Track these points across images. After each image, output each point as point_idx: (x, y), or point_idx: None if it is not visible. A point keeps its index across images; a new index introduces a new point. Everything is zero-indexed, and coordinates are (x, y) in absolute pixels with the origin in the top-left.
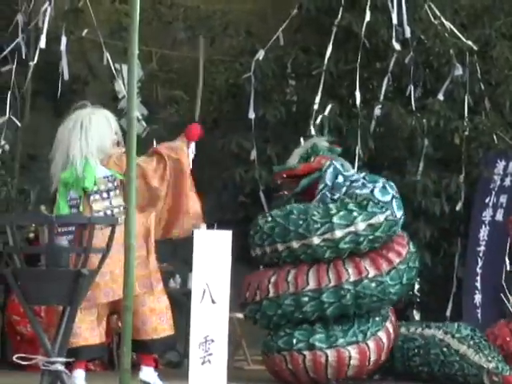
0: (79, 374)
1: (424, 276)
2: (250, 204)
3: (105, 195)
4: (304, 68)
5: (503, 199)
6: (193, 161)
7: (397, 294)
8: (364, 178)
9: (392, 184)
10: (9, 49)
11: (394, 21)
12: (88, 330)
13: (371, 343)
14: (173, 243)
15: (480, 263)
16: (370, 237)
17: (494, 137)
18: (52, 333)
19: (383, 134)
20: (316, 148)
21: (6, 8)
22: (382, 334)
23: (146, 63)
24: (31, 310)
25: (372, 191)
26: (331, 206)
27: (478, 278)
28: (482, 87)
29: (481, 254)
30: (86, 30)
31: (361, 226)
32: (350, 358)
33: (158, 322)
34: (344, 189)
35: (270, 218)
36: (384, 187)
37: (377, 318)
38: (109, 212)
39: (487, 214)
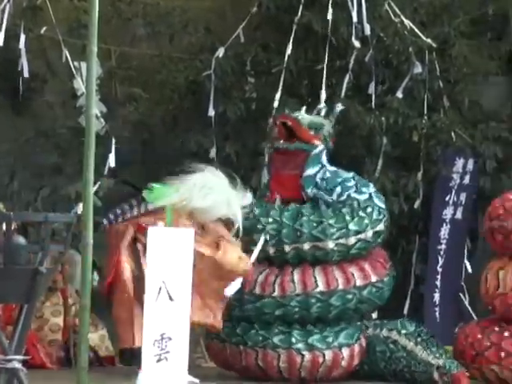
0: None
1: None
2: None
3: None
4: (264, 65)
5: (463, 197)
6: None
7: (388, 299)
8: (353, 178)
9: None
10: None
11: (354, 18)
12: None
13: (357, 346)
14: None
15: (441, 261)
16: (374, 244)
17: (453, 134)
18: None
19: (341, 131)
20: (322, 128)
21: None
22: (362, 337)
23: (104, 61)
24: None
25: (371, 197)
26: (344, 211)
27: (439, 276)
28: (441, 85)
29: (441, 253)
30: (44, 28)
31: (369, 233)
32: (342, 358)
33: None
34: (338, 189)
35: (271, 219)
36: (376, 192)
37: (358, 322)
38: None
39: (448, 213)
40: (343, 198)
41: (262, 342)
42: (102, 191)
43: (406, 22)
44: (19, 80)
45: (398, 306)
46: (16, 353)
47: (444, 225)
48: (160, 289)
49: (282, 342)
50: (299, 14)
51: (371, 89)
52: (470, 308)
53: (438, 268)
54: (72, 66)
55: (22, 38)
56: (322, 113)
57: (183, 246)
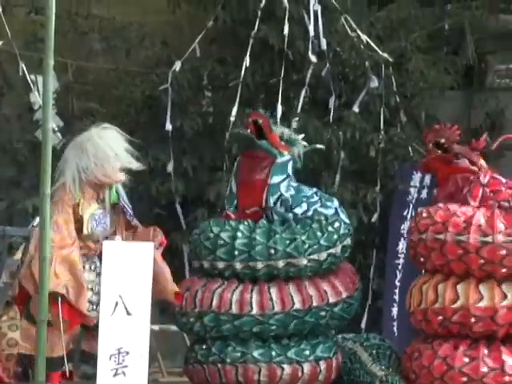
0: None
1: None
2: (166, 216)
3: None
4: (220, 79)
5: None
6: None
7: (355, 314)
8: (316, 193)
9: None
10: None
11: (311, 33)
12: None
13: (334, 360)
14: None
15: (399, 276)
16: (341, 258)
17: (410, 149)
18: None
19: None
20: (293, 143)
21: None
22: (339, 352)
23: (61, 74)
24: None
25: (337, 211)
26: (314, 226)
27: (397, 290)
28: (398, 99)
29: (399, 267)
30: (0, 42)
31: (338, 248)
32: (320, 372)
33: None
34: (304, 205)
35: (239, 234)
36: (340, 206)
37: (335, 337)
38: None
39: (405, 227)
40: (310, 213)
41: (242, 358)
42: None
43: (363, 36)
44: None
45: (355, 320)
46: None
47: (402, 239)
48: (116, 303)
49: (263, 356)
50: (256, 28)
51: (331, 103)
52: None
53: (396, 282)
54: (29, 80)
55: None
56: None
57: (141, 260)
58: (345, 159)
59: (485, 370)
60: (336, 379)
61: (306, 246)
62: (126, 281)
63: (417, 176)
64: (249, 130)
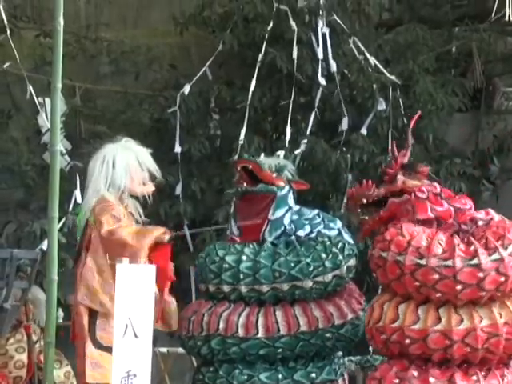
0: None
1: None
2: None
3: None
4: (228, 102)
5: None
6: None
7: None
8: (318, 215)
9: None
10: None
11: (320, 56)
12: None
13: (341, 382)
14: None
15: None
16: (347, 279)
17: None
18: None
19: (307, 168)
20: (283, 169)
21: None
22: (345, 373)
23: (69, 97)
24: None
25: (340, 232)
26: (318, 248)
27: None
28: (405, 122)
29: None
30: (8, 63)
31: (344, 269)
32: None
33: None
34: (307, 227)
35: (244, 257)
36: (343, 227)
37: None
38: None
39: None
40: (313, 235)
41: (249, 381)
42: (67, 228)
43: (371, 59)
44: None
45: (364, 342)
46: None
47: None
48: (126, 326)
49: (270, 379)
50: (263, 51)
51: (343, 125)
52: None
53: None
54: (37, 103)
55: None
56: (281, 155)
57: (145, 281)
58: (353, 182)
59: None
60: None
61: (311, 268)
62: (133, 303)
63: None
64: (239, 177)
